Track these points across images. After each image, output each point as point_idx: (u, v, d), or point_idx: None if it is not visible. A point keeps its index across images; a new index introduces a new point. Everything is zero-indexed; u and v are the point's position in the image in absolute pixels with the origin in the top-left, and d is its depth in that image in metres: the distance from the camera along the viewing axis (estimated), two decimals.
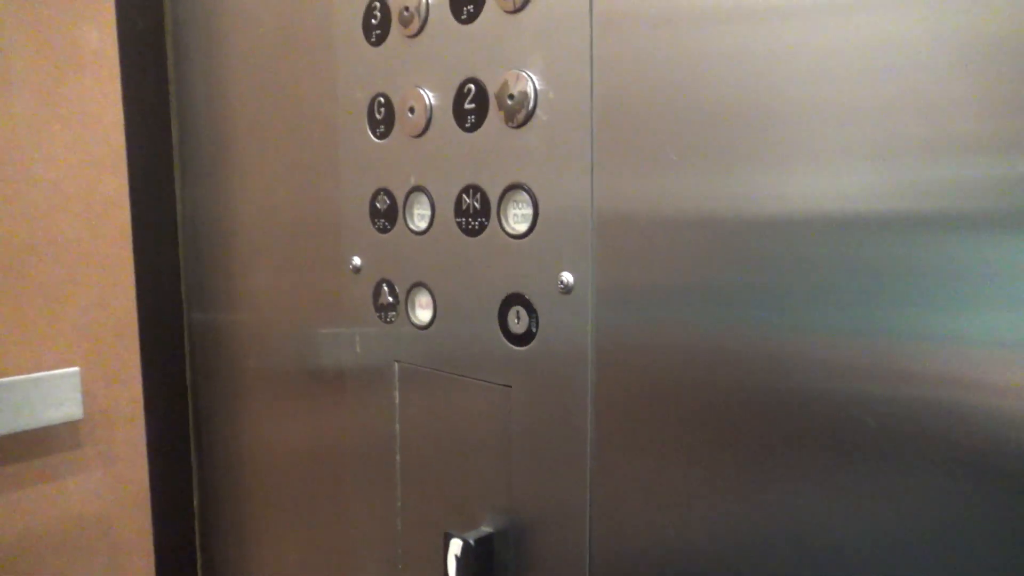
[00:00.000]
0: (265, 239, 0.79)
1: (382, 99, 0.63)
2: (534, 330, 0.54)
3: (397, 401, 0.65)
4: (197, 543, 0.95)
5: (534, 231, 0.53)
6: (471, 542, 0.56)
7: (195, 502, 0.94)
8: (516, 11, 0.52)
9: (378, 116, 0.63)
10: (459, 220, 0.58)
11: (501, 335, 0.56)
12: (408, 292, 0.63)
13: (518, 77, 0.52)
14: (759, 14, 0.42)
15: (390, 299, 0.64)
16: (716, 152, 0.44)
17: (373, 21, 0.63)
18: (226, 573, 0.92)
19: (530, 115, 0.52)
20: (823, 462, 0.41)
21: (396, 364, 0.65)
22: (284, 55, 0.73)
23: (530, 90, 0.52)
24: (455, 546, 0.57)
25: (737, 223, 0.43)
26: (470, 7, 0.55)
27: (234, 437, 0.88)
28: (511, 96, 0.53)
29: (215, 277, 0.87)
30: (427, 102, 0.59)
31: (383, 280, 0.65)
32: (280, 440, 0.81)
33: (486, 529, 0.58)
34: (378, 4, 0.62)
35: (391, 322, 0.65)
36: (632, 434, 0.49)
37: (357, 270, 0.67)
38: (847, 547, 0.41)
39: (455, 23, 0.56)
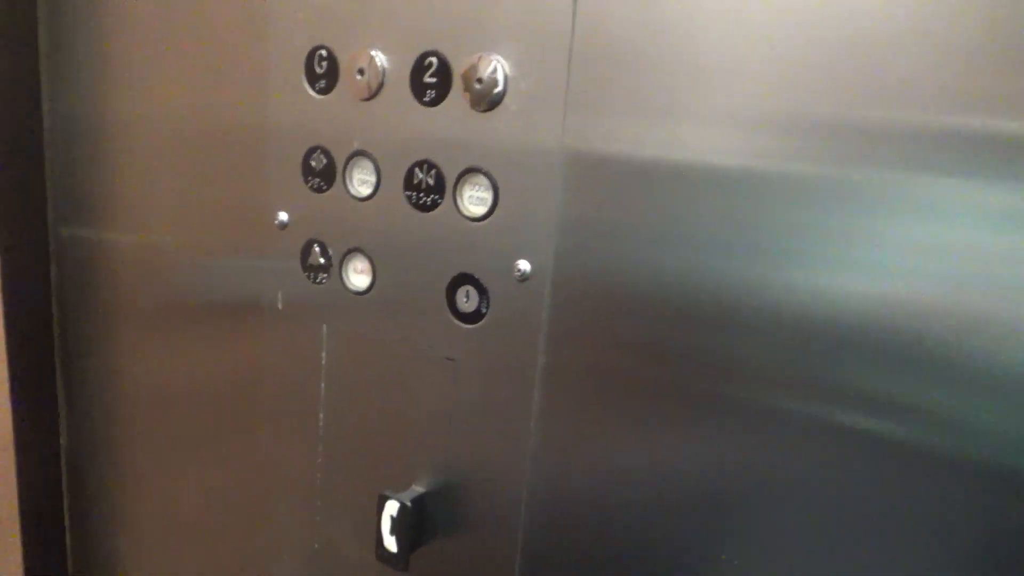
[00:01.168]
0: (163, 150, 0.73)
1: (324, 52, 0.60)
2: (484, 311, 0.56)
3: (324, 362, 0.65)
4: (65, 486, 0.89)
5: (492, 216, 0.54)
6: (408, 503, 0.59)
7: (63, 442, 0.88)
8: None
9: (319, 70, 0.60)
10: (409, 193, 0.58)
11: (448, 311, 0.57)
12: (344, 256, 0.62)
13: (489, 62, 0.52)
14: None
15: (321, 260, 0.63)
16: (686, 165, 0.47)
17: None
18: (98, 518, 0.88)
19: (498, 102, 0.53)
20: (768, 436, 0.47)
21: (325, 326, 0.64)
22: None
23: (500, 77, 0.52)
24: (391, 507, 0.59)
25: (700, 232, 0.47)
26: None
27: (110, 374, 0.83)
28: (479, 80, 0.53)
29: (93, 187, 0.79)
30: (380, 66, 0.57)
31: (314, 240, 0.63)
32: (171, 382, 0.78)
33: (418, 489, 0.61)
34: None
35: (321, 284, 0.64)
36: (577, 411, 0.54)
37: (283, 226, 0.65)
38: (776, 508, 0.48)
39: None
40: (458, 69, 0.54)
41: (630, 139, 0.49)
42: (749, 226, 0.46)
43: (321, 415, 0.66)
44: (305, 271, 0.64)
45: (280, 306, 0.67)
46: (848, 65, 0.42)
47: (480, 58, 0.53)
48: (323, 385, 0.65)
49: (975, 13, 0.39)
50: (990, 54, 0.39)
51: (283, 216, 0.65)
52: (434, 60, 0.55)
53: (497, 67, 0.52)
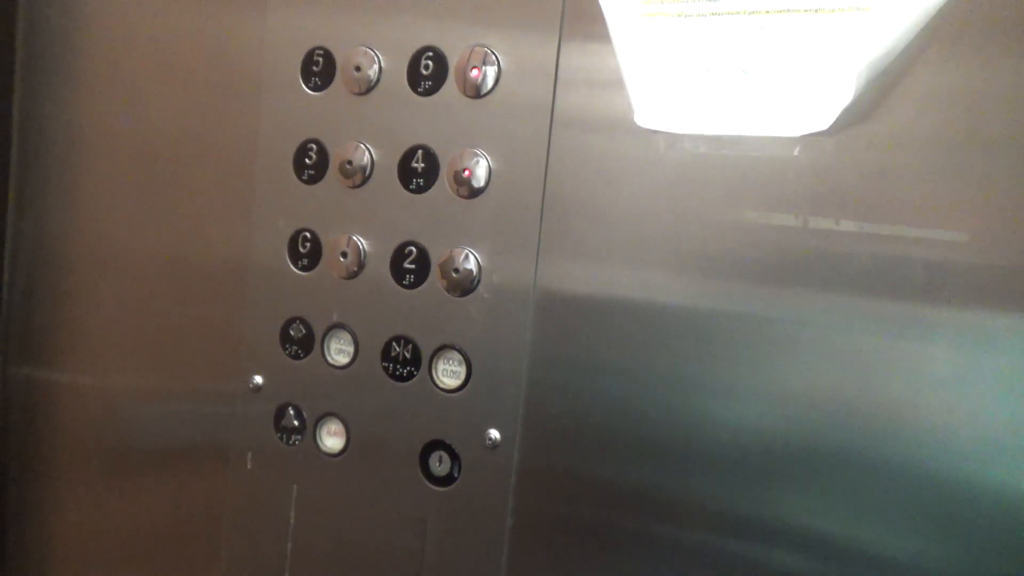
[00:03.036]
0: (134, 294, 0.76)
1: (308, 234, 0.66)
2: (456, 475, 0.61)
3: (292, 522, 0.68)
4: None
5: (465, 388, 0.61)
6: None
7: None
8: (469, 197, 0.60)
9: (302, 249, 0.66)
10: (386, 365, 0.63)
11: (420, 474, 0.62)
12: (318, 419, 0.66)
13: (464, 255, 0.60)
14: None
15: (295, 423, 0.67)
16: (643, 359, 0.55)
17: (307, 161, 0.66)
18: None
19: (472, 289, 0.60)
20: None
21: (295, 486, 0.67)
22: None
23: (475, 268, 0.60)
24: None
25: (660, 394, 0.55)
26: (420, 180, 0.61)
27: (58, 526, 0.82)
28: (456, 270, 0.60)
29: (53, 324, 0.80)
30: (360, 249, 0.64)
31: (289, 404, 0.67)
32: (125, 533, 0.78)
33: None
34: (314, 145, 0.65)
35: (293, 445, 0.67)
36: (545, 567, 0.59)
37: (258, 389, 0.69)
38: None
39: (402, 190, 0.62)
40: (436, 259, 0.61)
41: (592, 321, 0.57)
42: (699, 387, 0.54)
43: (287, 575, 0.68)
44: (278, 432, 0.68)
45: (249, 465, 0.69)
46: (780, 261, 0.52)
47: (456, 251, 0.60)
48: (290, 545, 0.68)
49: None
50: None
51: (258, 379, 0.68)
52: (413, 249, 0.62)
53: (472, 259, 0.60)
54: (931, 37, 0.47)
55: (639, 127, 0.54)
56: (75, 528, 0.80)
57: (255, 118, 0.68)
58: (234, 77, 0.70)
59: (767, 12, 0.50)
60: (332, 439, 0.66)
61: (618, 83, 0.55)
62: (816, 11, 0.49)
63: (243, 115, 0.69)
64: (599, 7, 0.55)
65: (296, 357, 0.67)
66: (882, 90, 0.48)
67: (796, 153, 0.50)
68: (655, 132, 0.54)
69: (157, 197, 0.74)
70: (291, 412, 0.67)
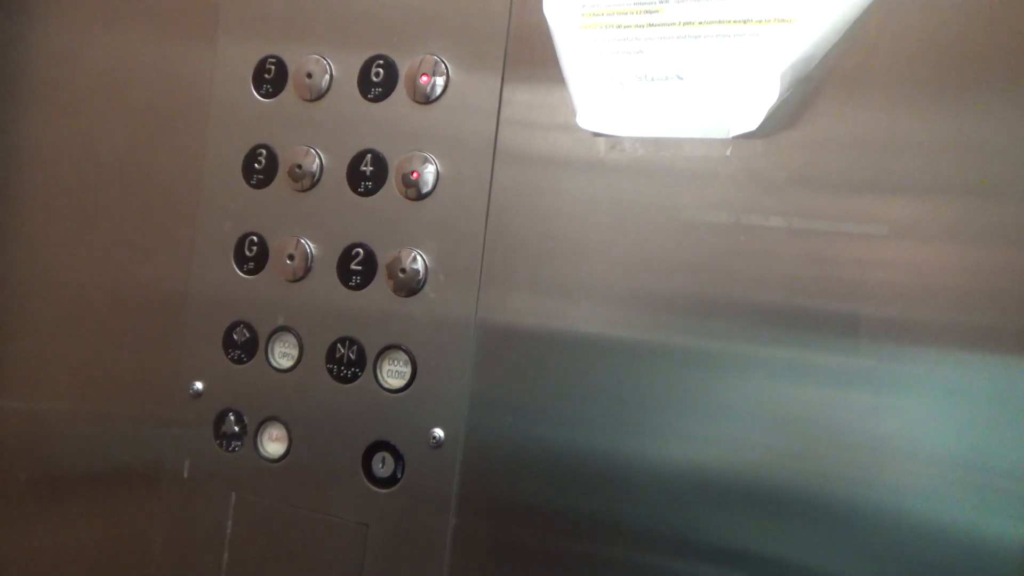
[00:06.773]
0: (67, 314, 0.74)
1: (255, 238, 0.66)
2: (399, 476, 0.61)
3: (229, 531, 0.66)
4: None
5: (410, 388, 0.61)
6: None
7: None
8: (417, 199, 0.61)
9: (248, 253, 0.66)
10: (330, 367, 0.63)
11: (363, 477, 0.61)
12: (260, 425, 0.65)
13: (411, 255, 0.61)
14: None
15: (235, 429, 0.66)
16: (581, 340, 0.56)
17: (256, 166, 0.66)
18: None
19: (418, 289, 0.61)
20: None
21: (233, 494, 0.66)
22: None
23: (421, 268, 0.60)
24: None
25: (594, 400, 0.56)
26: (368, 183, 0.62)
27: None
28: (403, 270, 0.61)
29: None
30: (308, 252, 0.64)
31: (229, 410, 0.66)
32: (47, 559, 0.74)
33: None
34: (264, 151, 0.66)
35: (233, 451, 0.66)
36: (486, 571, 0.58)
37: (198, 395, 0.67)
38: None
39: (350, 192, 0.63)
40: (383, 260, 0.62)
41: (533, 319, 0.58)
42: (635, 395, 0.55)
43: None
44: (217, 439, 0.66)
45: (186, 475, 0.68)
46: (714, 258, 0.54)
47: (403, 251, 0.61)
48: (227, 555, 0.66)
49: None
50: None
51: (198, 385, 0.67)
52: (360, 251, 0.62)
53: (419, 259, 0.61)
54: (849, 48, 0.51)
55: (581, 131, 0.56)
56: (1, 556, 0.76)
57: (201, 145, 0.68)
58: (181, 106, 0.70)
59: (700, 23, 0.53)
60: (273, 444, 0.65)
61: (562, 90, 0.57)
62: (745, 22, 0.52)
63: (189, 142, 0.69)
64: (544, 19, 0.58)
65: (239, 362, 0.66)
66: (806, 97, 0.52)
67: (728, 153, 0.53)
68: (596, 135, 0.56)
69: (96, 220, 0.74)
70: (231, 418, 0.66)
